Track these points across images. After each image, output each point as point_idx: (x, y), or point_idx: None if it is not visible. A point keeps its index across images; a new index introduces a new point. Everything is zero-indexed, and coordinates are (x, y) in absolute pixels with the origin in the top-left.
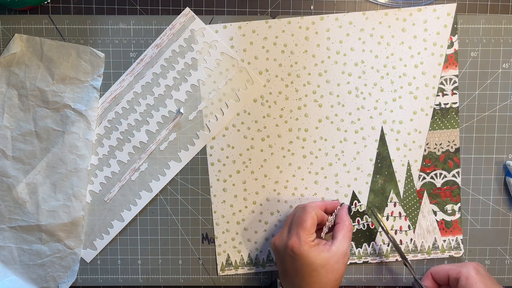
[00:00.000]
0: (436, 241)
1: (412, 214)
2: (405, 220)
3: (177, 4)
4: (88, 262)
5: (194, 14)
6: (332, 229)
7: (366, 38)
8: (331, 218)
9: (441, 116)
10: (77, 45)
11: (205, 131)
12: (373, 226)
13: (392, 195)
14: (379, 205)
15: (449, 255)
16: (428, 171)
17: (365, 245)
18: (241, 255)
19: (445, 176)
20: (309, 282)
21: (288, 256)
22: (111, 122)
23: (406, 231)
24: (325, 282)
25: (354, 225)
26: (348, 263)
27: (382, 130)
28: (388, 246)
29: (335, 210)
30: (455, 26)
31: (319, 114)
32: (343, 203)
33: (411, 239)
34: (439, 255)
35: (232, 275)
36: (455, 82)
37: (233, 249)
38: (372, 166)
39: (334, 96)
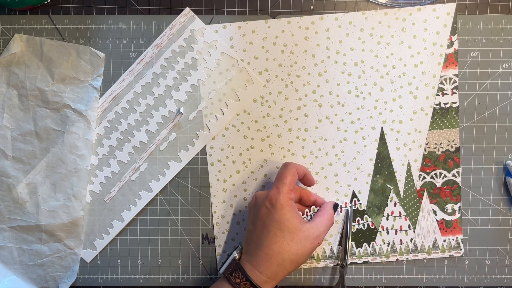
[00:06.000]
0: (436, 240)
1: (412, 213)
2: (405, 219)
3: (177, 4)
4: (88, 262)
5: (194, 14)
6: None
7: (366, 38)
8: (314, 208)
9: (441, 116)
10: (77, 45)
11: (205, 131)
12: (373, 226)
13: (392, 194)
14: (379, 205)
15: (449, 255)
16: (428, 170)
17: (365, 245)
18: None
19: (445, 176)
20: (271, 242)
21: (264, 207)
22: (111, 122)
23: (406, 230)
24: (286, 248)
25: (354, 225)
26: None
27: (382, 130)
28: (388, 246)
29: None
30: (455, 25)
31: (319, 114)
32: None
33: (411, 239)
34: (439, 255)
35: None
36: (455, 81)
37: (233, 249)
38: (372, 166)
39: (334, 96)
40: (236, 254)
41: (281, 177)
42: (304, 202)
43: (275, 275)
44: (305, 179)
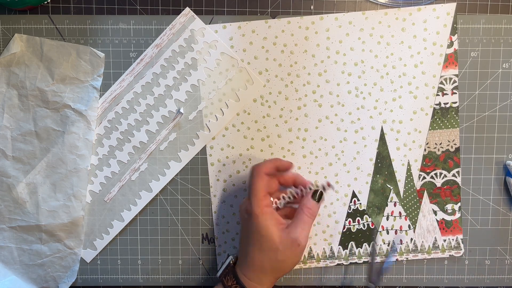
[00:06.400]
0: (436, 240)
1: (412, 213)
2: (405, 219)
3: (177, 4)
4: (88, 262)
5: (194, 14)
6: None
7: (366, 37)
8: (290, 190)
9: (441, 116)
10: (77, 45)
11: (205, 131)
12: (373, 226)
13: (392, 194)
14: (379, 205)
15: (449, 255)
16: (428, 170)
17: (365, 245)
18: None
19: (445, 176)
20: (253, 252)
21: (243, 219)
22: (111, 122)
23: (406, 230)
24: (267, 258)
25: (354, 225)
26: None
27: (382, 130)
28: (388, 246)
29: (303, 188)
30: (455, 25)
31: (319, 114)
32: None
33: (411, 239)
34: (439, 255)
35: None
36: (455, 81)
37: (233, 249)
38: (372, 166)
39: (334, 96)
40: (232, 258)
41: (250, 186)
42: (286, 183)
43: (262, 281)
44: (281, 169)
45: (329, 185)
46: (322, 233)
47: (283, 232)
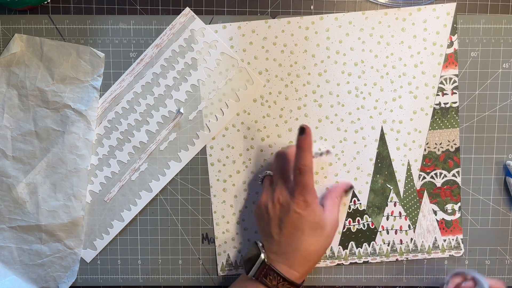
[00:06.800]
0: (436, 240)
1: (412, 213)
2: (405, 219)
3: (177, 4)
4: (88, 262)
5: (194, 14)
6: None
7: (366, 37)
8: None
9: (441, 116)
10: (77, 45)
11: (205, 131)
12: (373, 226)
13: (392, 194)
14: (379, 205)
15: (450, 255)
16: (428, 170)
17: (365, 245)
18: (241, 255)
19: (445, 176)
20: (307, 244)
21: (293, 213)
22: (111, 122)
23: (406, 230)
24: (320, 246)
25: (354, 225)
26: (349, 263)
27: (382, 130)
28: (388, 246)
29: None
30: (454, 25)
31: (319, 114)
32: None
33: (411, 239)
34: (439, 255)
35: (232, 275)
36: (455, 81)
37: (233, 249)
38: (372, 166)
39: (334, 96)
40: (263, 256)
41: (304, 183)
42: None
43: (309, 270)
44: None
45: (327, 152)
46: None
47: (327, 216)
